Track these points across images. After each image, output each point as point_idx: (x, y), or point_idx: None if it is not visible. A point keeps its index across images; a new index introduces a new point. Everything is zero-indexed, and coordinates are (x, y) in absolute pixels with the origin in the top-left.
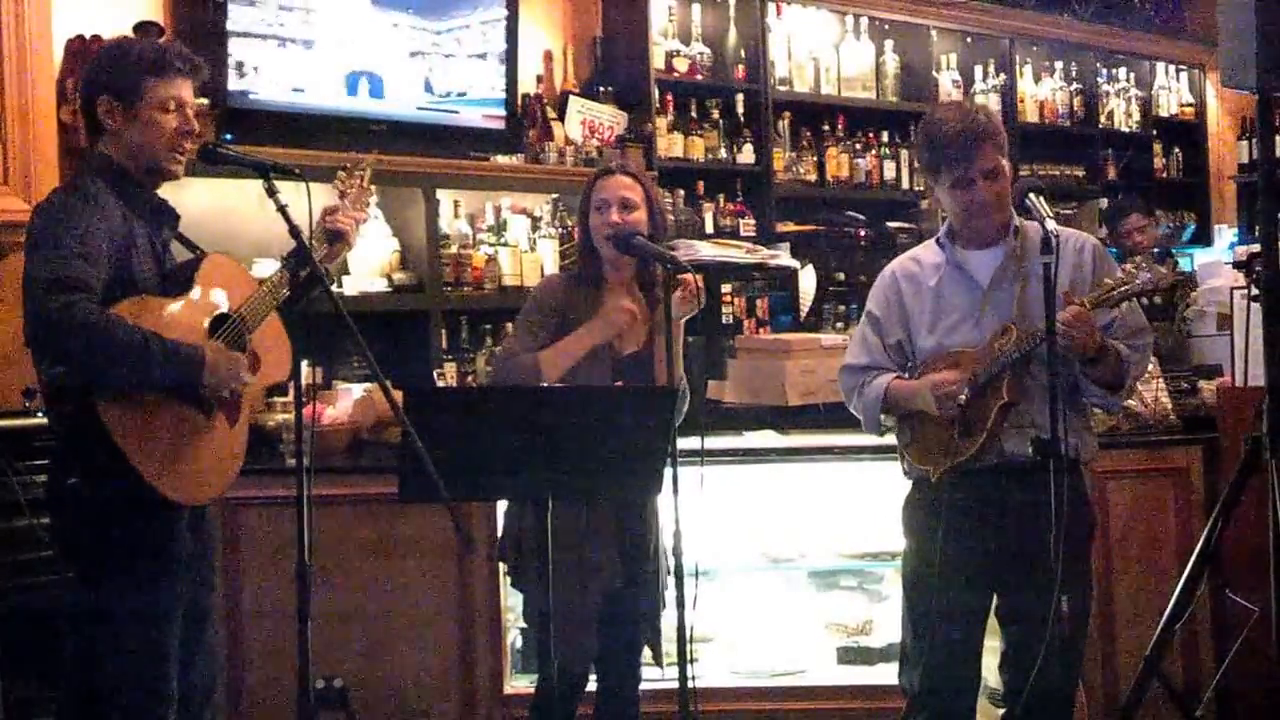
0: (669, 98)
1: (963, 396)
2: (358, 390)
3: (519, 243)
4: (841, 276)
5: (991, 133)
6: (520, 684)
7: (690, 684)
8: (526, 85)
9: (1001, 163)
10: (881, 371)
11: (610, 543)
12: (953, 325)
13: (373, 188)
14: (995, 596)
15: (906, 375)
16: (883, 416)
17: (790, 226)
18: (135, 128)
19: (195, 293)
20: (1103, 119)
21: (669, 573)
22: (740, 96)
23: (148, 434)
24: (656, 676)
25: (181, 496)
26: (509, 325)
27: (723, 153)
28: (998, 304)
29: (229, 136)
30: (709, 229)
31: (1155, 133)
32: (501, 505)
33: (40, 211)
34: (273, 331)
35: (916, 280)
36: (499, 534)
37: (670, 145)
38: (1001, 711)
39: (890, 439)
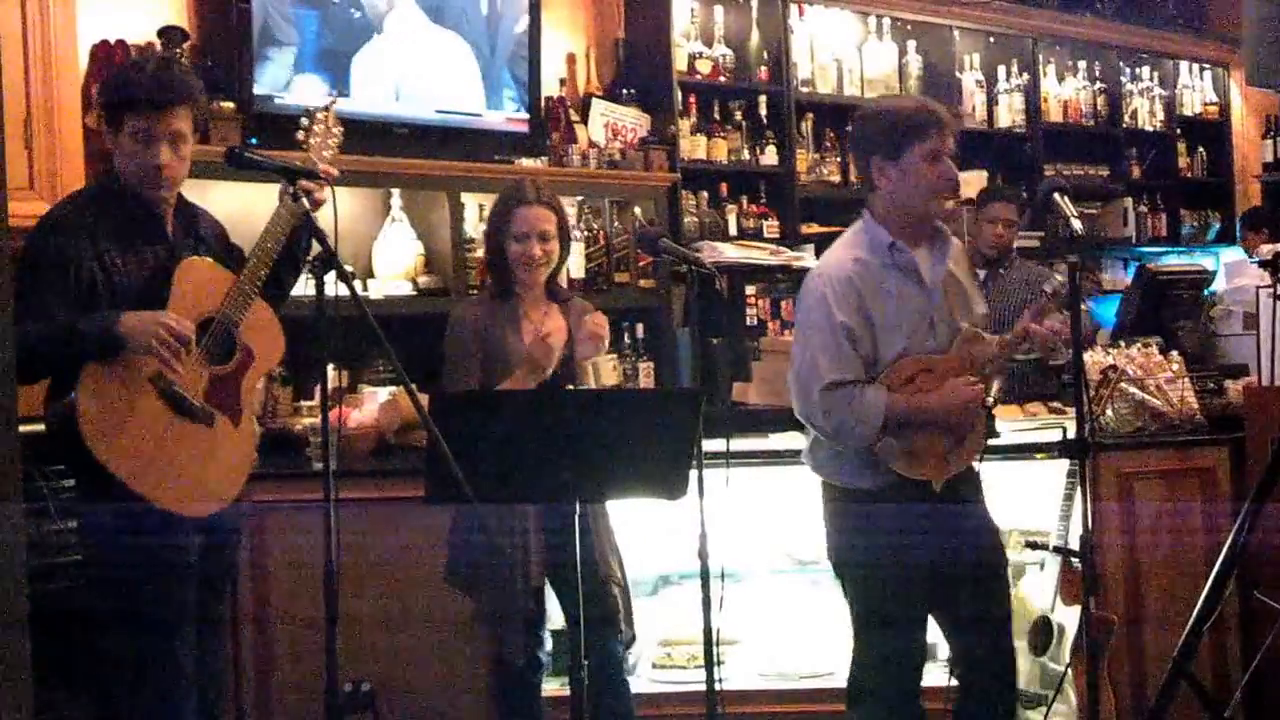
0: (692, 99)
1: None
2: (383, 394)
3: None
4: None
5: (947, 116)
6: (547, 686)
7: (717, 686)
8: (549, 88)
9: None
10: (866, 384)
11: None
12: (912, 329)
13: (337, 130)
14: (935, 607)
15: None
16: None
17: (814, 228)
18: (118, 151)
19: (174, 302)
20: (1127, 118)
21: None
22: (763, 98)
23: (134, 450)
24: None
25: (181, 508)
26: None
27: (746, 154)
28: (941, 306)
29: (254, 141)
30: (732, 231)
31: (1179, 132)
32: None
33: (37, 228)
34: (260, 319)
35: (871, 284)
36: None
37: (693, 147)
38: (1030, 713)
39: None
